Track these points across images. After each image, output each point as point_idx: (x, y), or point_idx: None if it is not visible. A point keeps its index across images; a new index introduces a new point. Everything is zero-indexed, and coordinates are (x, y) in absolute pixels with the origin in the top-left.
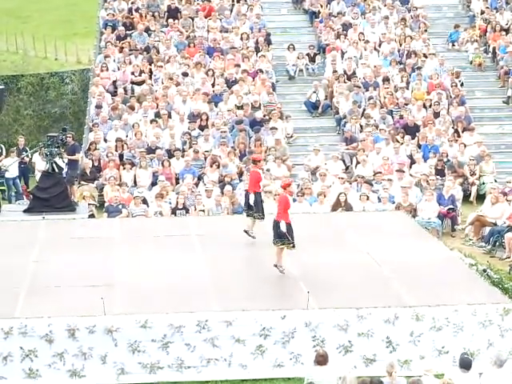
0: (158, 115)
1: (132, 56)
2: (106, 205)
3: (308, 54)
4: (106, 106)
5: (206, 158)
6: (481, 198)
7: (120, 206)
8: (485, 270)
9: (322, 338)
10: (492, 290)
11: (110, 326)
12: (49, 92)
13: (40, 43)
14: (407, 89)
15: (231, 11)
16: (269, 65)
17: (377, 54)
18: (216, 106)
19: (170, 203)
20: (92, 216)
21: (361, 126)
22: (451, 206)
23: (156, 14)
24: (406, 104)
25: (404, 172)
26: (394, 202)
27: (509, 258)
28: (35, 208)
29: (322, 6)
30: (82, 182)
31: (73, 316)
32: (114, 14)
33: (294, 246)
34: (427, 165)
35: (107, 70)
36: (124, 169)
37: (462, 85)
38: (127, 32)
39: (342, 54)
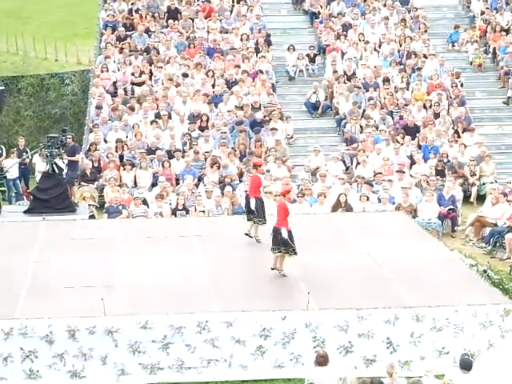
0: (158, 116)
1: (132, 57)
2: (106, 206)
3: (308, 55)
4: (106, 107)
5: (206, 159)
6: (481, 198)
7: (120, 207)
8: (485, 271)
9: (322, 338)
10: (492, 290)
11: (110, 327)
12: (49, 93)
13: (40, 44)
14: (407, 89)
15: (231, 12)
16: (269, 65)
17: (377, 54)
18: (216, 107)
19: (170, 204)
20: (92, 217)
21: (361, 127)
22: (451, 207)
23: (156, 14)
24: (406, 105)
25: (404, 173)
26: (394, 203)
27: (509, 258)
28: (35, 209)
29: (321, 7)
30: (83, 183)
31: (73, 317)
32: (114, 15)
33: (295, 253)
34: (427, 165)
35: (107, 70)
36: (124, 170)
37: (462, 85)
38: (127, 33)
39: (342, 54)
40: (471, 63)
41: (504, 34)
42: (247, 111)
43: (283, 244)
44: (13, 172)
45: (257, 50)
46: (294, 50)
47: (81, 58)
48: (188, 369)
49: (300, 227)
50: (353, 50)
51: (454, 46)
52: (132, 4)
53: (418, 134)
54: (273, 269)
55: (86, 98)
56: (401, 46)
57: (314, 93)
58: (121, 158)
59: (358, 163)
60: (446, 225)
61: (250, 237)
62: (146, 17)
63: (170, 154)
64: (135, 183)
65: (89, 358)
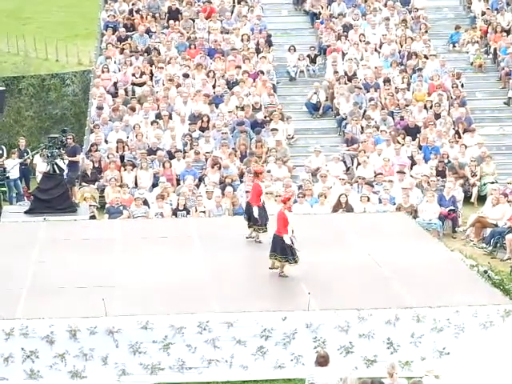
0: (158, 116)
1: (133, 57)
2: (106, 206)
3: (309, 56)
4: (107, 108)
5: (206, 160)
6: (482, 199)
7: (121, 208)
8: (486, 272)
9: (322, 339)
10: (493, 291)
11: (111, 327)
12: (50, 93)
13: (41, 44)
14: (408, 90)
15: (232, 12)
16: (270, 66)
17: (377, 55)
18: (217, 108)
19: (171, 204)
20: (93, 217)
21: (361, 128)
22: (452, 207)
23: (157, 15)
24: (407, 105)
25: (405, 173)
26: (394, 203)
27: (510, 259)
28: (36, 209)
29: (322, 8)
30: (83, 184)
31: (74, 317)
32: (114, 16)
33: (296, 262)
34: (428, 166)
35: (108, 71)
36: (125, 170)
37: (462, 86)
38: (128, 33)
39: (343, 55)
40: (472, 64)
41: (505, 34)
42: (248, 112)
43: (281, 252)
44: (14, 172)
45: (257, 51)
46: (294, 50)
47: (81, 59)
48: (189, 369)
49: (301, 228)
50: (353, 50)
51: (454, 46)
52: (133, 4)
53: (418, 135)
54: (271, 268)
55: (87, 99)
56: (401, 46)
57: (315, 93)
58: (121, 158)
59: (359, 164)
60: (447, 225)
61: (252, 237)
62: (146, 17)
63: (171, 155)
64: (136, 184)
65: (90, 358)
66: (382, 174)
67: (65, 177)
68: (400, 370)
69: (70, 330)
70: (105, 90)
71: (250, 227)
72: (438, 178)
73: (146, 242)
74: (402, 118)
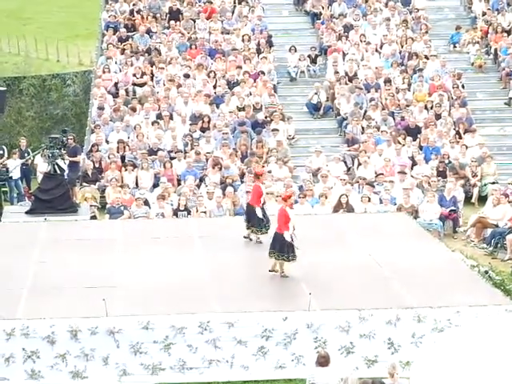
0: (159, 117)
1: (134, 58)
2: (107, 206)
3: (309, 56)
4: (108, 108)
5: (207, 160)
6: (482, 199)
7: (122, 208)
8: (486, 272)
9: (323, 339)
10: (494, 291)
11: (111, 328)
12: (51, 94)
13: (42, 45)
14: (409, 90)
15: (233, 13)
16: (270, 66)
17: (378, 55)
18: (218, 108)
19: (172, 205)
20: (94, 217)
21: (362, 128)
22: (453, 208)
23: (157, 15)
24: (408, 105)
25: (405, 173)
26: (395, 204)
27: (510, 259)
28: (37, 209)
29: (323, 8)
30: (84, 184)
31: (75, 317)
32: (115, 16)
33: (294, 259)
34: (429, 166)
35: (109, 71)
36: (126, 170)
37: (463, 86)
38: (129, 34)
39: (344, 55)
40: (472, 64)
41: (505, 34)
42: (249, 112)
43: (279, 249)
44: (15, 173)
45: (258, 51)
46: (295, 50)
47: (82, 59)
48: (190, 369)
49: (301, 228)
50: (354, 50)
51: (455, 47)
52: (133, 5)
53: (419, 135)
54: (270, 271)
55: (88, 99)
56: (402, 47)
57: (316, 94)
58: (122, 158)
59: (360, 164)
60: (448, 226)
61: (250, 239)
62: (147, 18)
63: (172, 155)
64: (137, 184)
65: (90, 358)
66: (382, 174)
67: (65, 177)
68: (401, 370)
69: (70, 330)
70: (106, 90)
71: (248, 229)
72: (439, 178)
73: (147, 242)
74: (402, 119)
